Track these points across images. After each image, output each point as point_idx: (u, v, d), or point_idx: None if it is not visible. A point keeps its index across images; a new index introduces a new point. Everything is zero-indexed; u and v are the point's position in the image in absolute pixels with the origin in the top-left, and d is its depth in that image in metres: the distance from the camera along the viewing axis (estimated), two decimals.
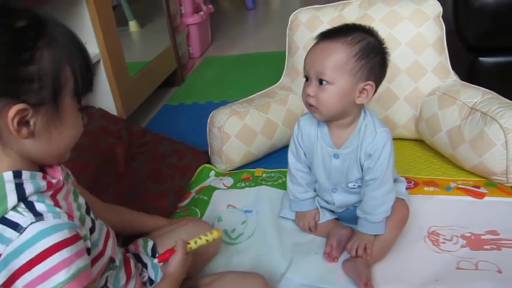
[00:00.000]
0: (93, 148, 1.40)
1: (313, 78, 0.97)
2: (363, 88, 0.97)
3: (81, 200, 0.77)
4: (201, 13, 2.80)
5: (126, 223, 0.96)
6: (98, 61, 1.66)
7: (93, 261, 0.72)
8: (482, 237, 1.10)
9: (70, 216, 0.65)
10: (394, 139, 1.47)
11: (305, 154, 1.13)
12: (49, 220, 0.62)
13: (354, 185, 1.09)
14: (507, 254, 1.05)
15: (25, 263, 0.59)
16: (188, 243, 0.90)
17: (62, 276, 0.60)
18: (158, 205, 1.28)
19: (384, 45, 0.99)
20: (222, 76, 2.51)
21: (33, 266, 0.59)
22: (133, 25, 2.29)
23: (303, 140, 1.11)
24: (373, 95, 0.99)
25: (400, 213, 1.08)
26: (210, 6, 3.01)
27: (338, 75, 0.94)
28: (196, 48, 2.83)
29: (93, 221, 0.76)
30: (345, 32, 0.96)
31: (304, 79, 1.00)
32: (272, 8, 4.38)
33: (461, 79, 1.60)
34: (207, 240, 0.92)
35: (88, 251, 0.69)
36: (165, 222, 1.07)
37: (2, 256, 0.60)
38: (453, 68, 1.55)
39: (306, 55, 0.99)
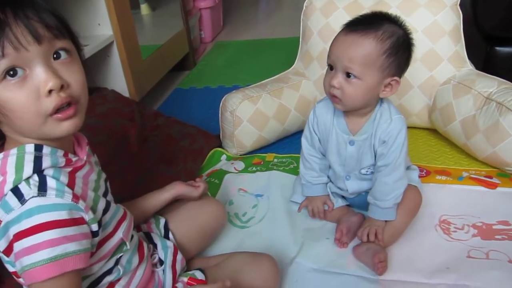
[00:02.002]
0: (106, 130, 1.41)
1: (339, 69, 0.95)
2: (389, 83, 0.96)
3: (102, 183, 0.79)
4: None
5: (138, 217, 0.96)
6: (112, 43, 1.67)
7: (101, 242, 0.72)
8: (494, 227, 1.10)
9: (77, 197, 0.66)
10: (407, 127, 1.49)
11: (319, 141, 1.12)
12: (50, 198, 0.63)
13: (367, 171, 1.09)
14: None
15: (18, 233, 0.61)
16: None
17: (43, 255, 0.60)
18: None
19: (411, 38, 0.98)
20: (233, 61, 2.51)
21: (23, 237, 0.61)
22: (144, 8, 2.29)
23: (318, 127, 1.11)
24: (397, 88, 0.98)
25: (412, 201, 1.08)
26: None
27: (367, 71, 0.93)
28: (208, 32, 2.82)
29: (108, 203, 0.76)
30: (376, 25, 0.93)
31: (327, 67, 0.99)
32: None
33: (477, 68, 1.58)
34: None
35: (96, 233, 0.69)
36: (173, 192, 1.01)
37: (3, 223, 0.63)
38: (469, 58, 1.54)
39: (333, 43, 0.97)
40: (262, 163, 1.45)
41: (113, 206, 0.79)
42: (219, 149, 1.53)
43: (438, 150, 1.45)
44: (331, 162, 1.12)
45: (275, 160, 1.46)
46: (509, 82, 1.35)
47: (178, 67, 2.31)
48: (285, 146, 1.53)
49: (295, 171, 1.35)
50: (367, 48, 0.92)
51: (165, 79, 2.13)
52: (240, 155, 1.51)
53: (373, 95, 0.97)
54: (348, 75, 0.94)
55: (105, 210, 0.75)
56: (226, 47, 2.75)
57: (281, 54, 2.41)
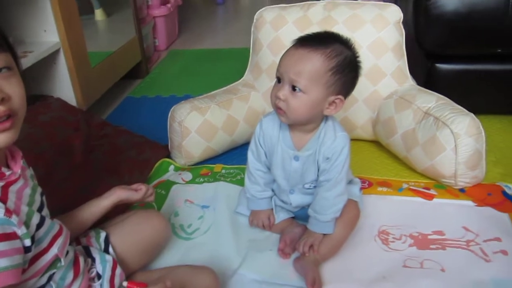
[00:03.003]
0: (48, 140, 1.38)
1: (286, 82, 0.96)
2: (333, 101, 0.99)
3: (38, 197, 0.77)
4: (169, 5, 2.77)
5: (77, 228, 0.94)
6: (58, 50, 1.63)
7: (34, 259, 0.71)
8: (429, 237, 1.15)
9: (10, 212, 0.65)
10: (352, 139, 1.51)
11: (265, 154, 1.14)
12: None
13: (310, 186, 1.11)
14: (451, 254, 1.09)
15: None
16: None
17: None
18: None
19: (359, 59, 1.00)
20: (187, 70, 2.50)
21: None
22: (99, 14, 2.26)
23: (264, 141, 1.13)
24: (341, 107, 1.01)
25: (351, 214, 1.12)
26: None
27: (313, 85, 0.95)
28: (162, 40, 2.81)
29: (42, 218, 0.75)
30: (326, 42, 0.96)
31: (276, 80, 1.00)
32: (241, 3, 4.37)
33: (420, 84, 1.65)
34: None
35: (29, 249, 0.68)
36: (112, 198, 0.99)
37: None
38: (412, 73, 1.61)
39: (283, 57, 0.99)
40: (210, 174, 1.45)
41: (47, 221, 0.77)
42: (167, 159, 1.52)
43: (381, 162, 1.50)
44: (276, 176, 1.14)
45: (223, 171, 1.46)
46: (447, 98, 1.42)
47: (130, 75, 2.28)
48: (233, 157, 1.54)
49: (242, 182, 1.35)
50: (315, 64, 0.94)
51: (116, 87, 2.10)
52: (188, 165, 1.51)
53: (317, 111, 0.99)
54: (294, 88, 0.95)
55: (39, 225, 0.73)
56: (181, 56, 2.74)
57: (236, 64, 2.42)
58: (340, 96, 0.98)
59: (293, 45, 0.99)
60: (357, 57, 1.00)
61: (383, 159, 1.51)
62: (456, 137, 1.27)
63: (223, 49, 2.85)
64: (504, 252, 1.09)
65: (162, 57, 2.73)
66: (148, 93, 2.19)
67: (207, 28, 3.42)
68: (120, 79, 2.11)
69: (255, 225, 1.19)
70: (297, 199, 1.14)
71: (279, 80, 0.99)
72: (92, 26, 2.15)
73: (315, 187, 1.10)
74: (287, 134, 1.08)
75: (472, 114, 1.32)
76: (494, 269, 1.04)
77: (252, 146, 1.16)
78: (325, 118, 1.06)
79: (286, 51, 0.99)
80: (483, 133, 1.30)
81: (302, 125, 1.04)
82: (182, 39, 3.13)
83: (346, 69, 0.96)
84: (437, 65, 1.64)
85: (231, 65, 2.46)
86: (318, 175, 1.08)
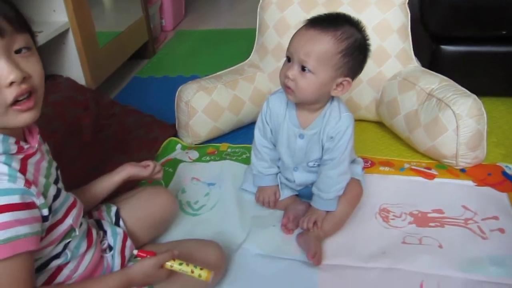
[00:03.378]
0: (59, 119, 1.41)
1: (296, 62, 0.99)
2: (341, 83, 1.01)
3: (54, 170, 0.81)
4: None
5: (90, 202, 0.98)
6: (67, 30, 1.65)
7: (51, 228, 0.76)
8: (428, 215, 1.18)
9: (29, 183, 0.69)
10: (356, 120, 1.55)
11: (271, 132, 1.17)
12: (3, 183, 0.66)
13: (314, 164, 1.14)
14: (449, 231, 1.13)
15: None
16: (173, 261, 0.84)
17: None
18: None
19: (368, 42, 1.02)
20: (194, 51, 2.52)
21: None
22: None
23: (271, 119, 1.15)
24: (348, 89, 1.03)
25: (353, 192, 1.15)
26: None
27: (321, 67, 0.97)
28: (169, 20, 2.81)
29: (58, 190, 0.79)
30: (336, 24, 0.97)
31: (285, 59, 1.02)
32: None
33: (424, 65, 1.67)
34: (192, 272, 0.84)
35: (46, 218, 0.72)
36: (123, 174, 1.03)
37: None
38: (416, 55, 1.62)
39: (293, 37, 1.01)
40: (216, 152, 1.49)
41: (63, 193, 0.82)
42: (174, 138, 1.56)
43: (384, 143, 1.52)
44: (281, 153, 1.17)
45: (229, 150, 1.50)
46: (450, 80, 1.43)
47: (137, 56, 2.30)
48: (239, 137, 1.57)
49: (247, 161, 1.39)
50: (324, 45, 0.96)
51: (123, 67, 2.12)
52: (195, 144, 1.54)
53: (325, 92, 1.02)
54: (303, 68, 0.98)
55: (56, 197, 0.78)
56: (187, 36, 2.76)
57: (242, 45, 2.43)
58: (347, 78, 1.00)
59: (304, 25, 1.00)
60: (367, 40, 1.01)
61: (386, 139, 1.54)
62: (458, 118, 1.29)
63: (230, 29, 2.85)
64: (501, 230, 1.12)
65: (169, 38, 2.74)
66: (155, 73, 2.21)
67: (213, 8, 3.42)
68: (127, 60, 2.14)
69: (261, 201, 1.23)
70: (301, 177, 1.17)
71: (289, 59, 1.01)
72: (100, 6, 2.15)
73: (319, 165, 1.14)
74: (293, 113, 1.11)
75: (474, 96, 1.34)
76: (491, 246, 1.08)
77: (259, 123, 1.19)
78: (331, 98, 1.09)
79: (297, 31, 1.01)
80: (485, 115, 1.32)
81: (309, 104, 1.06)
82: (188, 19, 3.13)
83: (356, 52, 0.98)
84: (442, 47, 1.65)
85: (238, 46, 2.47)
86: (322, 154, 1.11)
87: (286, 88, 1.02)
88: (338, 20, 0.99)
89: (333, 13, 1.03)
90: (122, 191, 1.12)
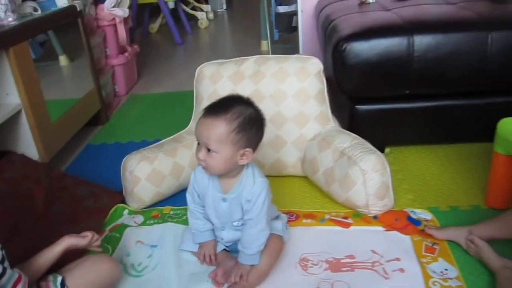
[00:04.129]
0: (14, 194, 1.55)
1: (202, 146, 1.19)
2: (243, 153, 1.20)
3: None
4: (126, 54, 2.98)
5: (35, 273, 1.12)
6: (20, 111, 1.81)
7: None
8: (341, 260, 1.36)
9: None
10: (285, 176, 1.74)
11: (199, 197, 1.34)
12: None
13: (238, 224, 1.31)
14: (358, 274, 1.31)
15: None
16: None
17: None
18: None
19: (260, 114, 1.23)
20: (146, 115, 2.70)
21: None
22: (63, 59, 2.46)
23: (198, 186, 1.33)
24: (252, 156, 1.22)
25: (274, 247, 1.33)
26: (136, 46, 3.20)
27: (221, 146, 1.16)
28: (121, 86, 3.00)
29: (4, 269, 0.93)
30: (227, 107, 1.17)
31: (197, 142, 1.22)
32: (200, 42, 4.62)
33: (345, 123, 1.90)
34: None
35: None
36: (63, 244, 1.18)
37: None
38: (340, 114, 1.85)
39: (197, 125, 1.20)
40: (159, 215, 1.64)
41: (8, 271, 0.96)
42: (122, 204, 1.71)
43: (310, 196, 1.71)
44: (209, 215, 1.34)
45: (171, 212, 1.66)
46: (360, 138, 1.65)
47: (90, 123, 2.46)
48: (181, 199, 1.72)
49: (187, 222, 1.54)
50: (219, 129, 1.15)
51: (77, 135, 2.27)
52: (141, 209, 1.69)
53: (232, 163, 1.21)
54: (208, 150, 1.17)
55: (1, 275, 0.92)
56: (140, 100, 2.94)
57: (192, 106, 2.61)
58: (247, 149, 1.19)
59: (202, 115, 1.20)
60: (258, 111, 1.22)
61: (312, 192, 1.73)
62: (364, 173, 1.50)
63: (181, 91, 3.04)
64: (402, 270, 1.31)
65: (122, 102, 2.92)
66: (107, 139, 2.37)
67: (167, 69, 3.63)
68: (81, 127, 2.29)
69: (202, 256, 1.36)
70: (228, 235, 1.34)
71: (198, 143, 1.20)
72: (52, 81, 2.32)
73: (242, 224, 1.31)
74: (215, 180, 1.29)
75: (378, 152, 1.55)
76: (391, 285, 1.26)
77: (189, 189, 1.37)
78: (246, 165, 1.27)
79: (199, 119, 1.20)
80: (388, 168, 1.54)
81: (225, 174, 1.25)
82: (142, 82, 3.33)
83: (248, 126, 1.17)
84: (357, 106, 1.88)
85: (188, 107, 2.63)
86: (243, 214, 1.28)
87: (201, 166, 1.21)
88: (229, 102, 1.20)
89: (226, 97, 1.25)
90: (69, 260, 1.26)
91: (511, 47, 1.74)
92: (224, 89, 1.77)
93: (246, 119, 1.18)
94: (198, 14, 5.00)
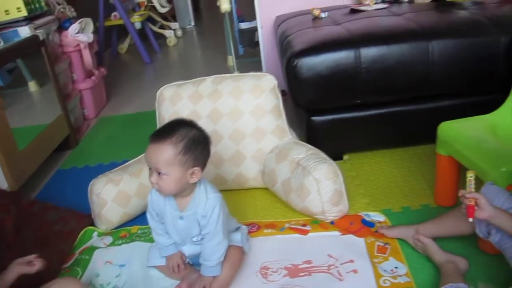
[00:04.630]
0: None
1: (153, 170, 1.26)
2: (192, 172, 1.28)
3: None
4: (93, 77, 3.04)
5: None
6: None
7: None
8: (299, 266, 1.44)
9: None
10: (248, 189, 1.82)
11: (157, 216, 1.42)
12: None
13: (197, 239, 1.39)
14: (315, 278, 1.39)
15: None
16: None
17: None
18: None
19: (204, 133, 1.31)
20: (115, 136, 2.75)
21: None
22: (32, 85, 2.51)
23: (155, 206, 1.41)
24: (201, 173, 1.30)
25: (234, 258, 1.40)
26: (103, 69, 3.25)
27: (171, 168, 1.24)
28: (90, 109, 3.05)
29: None
30: (172, 131, 1.25)
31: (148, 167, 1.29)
32: (169, 61, 4.69)
33: (303, 134, 2.00)
34: None
35: None
36: (14, 271, 1.25)
37: None
38: (299, 126, 1.94)
39: (146, 151, 1.27)
40: (127, 235, 1.70)
41: None
42: (91, 227, 1.76)
43: (272, 206, 1.80)
44: (169, 232, 1.41)
45: (139, 231, 1.72)
46: (315, 148, 1.75)
47: (60, 147, 2.51)
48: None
49: (153, 240, 1.61)
50: (165, 153, 1.23)
51: (47, 161, 2.32)
52: (110, 230, 1.75)
53: (183, 183, 1.28)
54: (159, 173, 1.25)
55: None
56: (110, 122, 3.00)
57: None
58: (196, 168, 1.27)
59: (149, 141, 1.27)
60: (202, 131, 1.30)
61: (273, 203, 1.81)
62: (318, 182, 1.59)
63: (150, 111, 3.05)
64: (355, 271, 1.40)
65: (92, 125, 2.97)
66: (77, 163, 2.42)
67: (136, 89, 3.69)
68: (51, 153, 2.34)
69: (171, 267, 1.43)
70: (189, 249, 1.41)
71: (150, 168, 1.27)
72: (19, 109, 2.37)
73: (202, 239, 1.38)
74: (172, 200, 1.36)
75: (330, 161, 1.65)
76: (345, 286, 1.34)
77: (149, 209, 1.44)
78: (199, 182, 1.35)
79: (148, 146, 1.27)
80: (340, 176, 1.63)
81: (179, 194, 1.32)
82: (111, 104, 3.38)
83: (193, 146, 1.25)
84: (313, 118, 1.98)
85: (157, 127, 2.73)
86: (200, 230, 1.36)
87: (155, 189, 1.29)
88: (173, 126, 1.27)
89: (170, 121, 1.33)
90: (39, 284, 1.32)
91: (450, 54, 1.86)
92: (184, 110, 1.85)
93: (190, 140, 1.25)
94: (166, 33, 5.08)
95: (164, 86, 1.95)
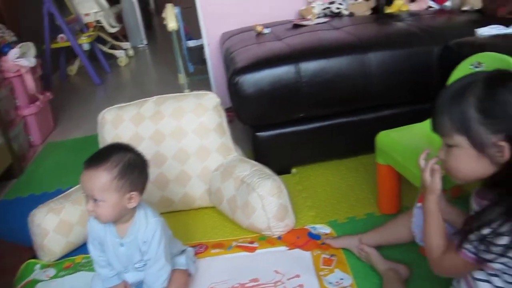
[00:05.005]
0: None
1: (89, 198, 1.23)
2: (130, 197, 1.25)
3: None
4: (38, 102, 2.95)
5: None
6: None
7: None
8: (246, 285, 1.43)
9: None
10: (196, 209, 1.80)
11: (98, 244, 1.37)
12: None
13: (139, 265, 1.35)
14: None
15: None
16: None
17: None
18: None
19: (141, 157, 1.29)
20: (62, 162, 2.67)
21: None
22: None
23: (95, 235, 1.36)
24: (140, 198, 1.28)
25: (179, 281, 1.39)
26: (48, 93, 3.17)
27: (106, 195, 1.21)
28: (36, 135, 2.95)
29: None
30: (107, 156, 1.22)
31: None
32: (120, 81, 4.62)
33: (249, 150, 2.00)
34: None
35: None
36: None
37: None
38: (245, 142, 1.93)
39: (80, 179, 1.24)
40: (72, 265, 1.65)
41: None
42: (33, 260, 1.70)
43: (220, 225, 1.78)
44: (110, 260, 1.37)
45: (83, 260, 1.67)
46: (260, 165, 1.75)
47: (4, 177, 2.41)
48: None
49: None
50: (100, 179, 1.20)
51: None
52: (53, 261, 1.69)
53: (121, 209, 1.25)
54: (95, 200, 1.21)
55: None
56: (57, 148, 2.91)
57: None
58: (133, 193, 1.25)
59: (84, 168, 1.24)
60: (138, 155, 1.27)
61: (222, 221, 1.80)
62: (262, 198, 1.59)
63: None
64: (301, 286, 1.40)
65: (38, 152, 2.87)
66: (21, 193, 2.34)
67: (86, 112, 3.59)
68: None
69: None
70: (132, 277, 1.38)
71: (86, 195, 1.24)
72: None
73: (144, 265, 1.35)
74: (112, 226, 1.33)
75: (274, 177, 1.65)
76: None
77: (89, 239, 1.39)
78: (138, 207, 1.32)
79: (82, 173, 1.24)
80: (285, 190, 1.64)
81: (119, 220, 1.29)
82: (60, 128, 3.28)
83: (128, 171, 1.23)
84: (258, 134, 1.99)
85: None
86: (142, 256, 1.33)
87: (92, 216, 1.26)
88: (107, 152, 1.25)
89: (104, 147, 1.32)
90: None
91: (386, 65, 1.92)
92: (126, 132, 1.82)
93: (126, 164, 1.23)
94: (117, 53, 5.01)
95: (106, 109, 1.91)
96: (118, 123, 1.85)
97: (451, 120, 0.95)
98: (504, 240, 0.90)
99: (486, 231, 0.92)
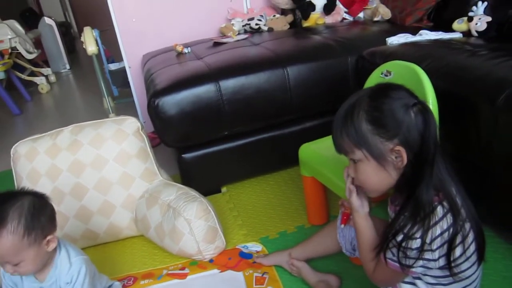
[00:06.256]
0: None
1: (5, 263, 1.14)
2: (48, 242, 1.17)
3: None
4: None
5: None
6: None
7: None
8: None
9: None
10: (123, 240, 1.73)
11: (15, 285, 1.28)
12: None
13: None
14: None
15: None
16: None
17: None
18: None
19: (39, 194, 1.19)
20: None
21: None
22: None
23: (11, 282, 1.27)
24: (57, 238, 1.20)
25: None
26: None
27: (21, 255, 1.12)
28: None
29: None
30: (2, 219, 1.08)
31: None
32: (42, 109, 4.40)
33: (176, 173, 1.95)
34: None
35: None
36: None
37: None
38: (171, 164, 1.88)
39: None
40: None
41: None
42: None
43: (149, 253, 1.72)
44: None
45: None
46: (186, 187, 1.71)
47: None
48: None
49: None
50: (7, 245, 1.09)
51: None
52: None
53: (43, 256, 1.18)
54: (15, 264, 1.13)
55: None
56: None
57: None
58: (49, 237, 1.17)
59: None
60: (36, 193, 1.18)
61: (151, 250, 1.73)
62: (189, 222, 1.55)
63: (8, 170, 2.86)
64: None
65: None
66: None
67: (3, 145, 3.37)
68: None
69: None
70: None
71: None
72: None
73: None
74: None
75: (200, 199, 1.62)
76: None
77: (2, 284, 1.29)
78: (59, 247, 1.24)
79: None
80: (212, 212, 1.61)
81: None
82: None
83: (35, 219, 1.13)
84: (183, 155, 1.95)
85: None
86: None
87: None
88: (1, 209, 1.10)
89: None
90: None
91: (305, 77, 1.96)
92: (42, 166, 1.72)
93: (28, 215, 1.12)
94: (37, 79, 4.78)
95: (18, 143, 1.80)
96: (33, 157, 1.74)
97: (348, 136, 0.99)
98: (417, 243, 0.93)
99: (400, 237, 0.95)
